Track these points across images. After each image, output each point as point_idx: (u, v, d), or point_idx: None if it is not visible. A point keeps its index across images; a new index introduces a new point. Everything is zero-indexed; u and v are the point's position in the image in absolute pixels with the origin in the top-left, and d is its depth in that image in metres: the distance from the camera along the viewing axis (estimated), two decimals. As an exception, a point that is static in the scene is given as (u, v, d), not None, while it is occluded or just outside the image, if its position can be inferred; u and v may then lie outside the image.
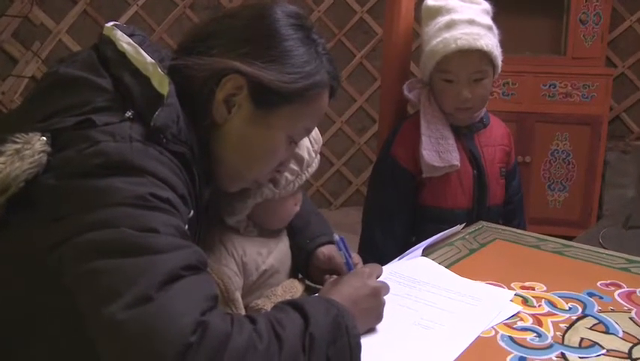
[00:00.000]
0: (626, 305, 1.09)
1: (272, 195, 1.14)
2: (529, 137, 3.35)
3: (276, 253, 1.21)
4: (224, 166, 1.02)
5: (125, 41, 0.94)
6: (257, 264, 1.16)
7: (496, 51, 1.60)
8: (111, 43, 0.94)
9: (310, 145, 1.16)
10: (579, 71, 3.32)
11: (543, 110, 3.34)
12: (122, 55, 0.93)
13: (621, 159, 3.47)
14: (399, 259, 1.27)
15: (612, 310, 1.07)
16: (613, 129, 3.61)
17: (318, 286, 1.27)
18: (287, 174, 1.13)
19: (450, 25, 1.58)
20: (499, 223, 1.59)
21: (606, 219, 3.21)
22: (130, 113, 0.88)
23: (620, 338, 0.99)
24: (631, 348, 0.95)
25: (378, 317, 1.01)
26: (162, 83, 0.91)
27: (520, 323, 1.03)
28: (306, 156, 1.15)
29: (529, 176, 3.37)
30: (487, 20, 1.62)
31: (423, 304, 1.09)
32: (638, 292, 1.14)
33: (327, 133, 3.92)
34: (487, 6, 1.65)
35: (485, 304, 1.09)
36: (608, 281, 1.18)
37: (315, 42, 1.00)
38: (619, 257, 1.31)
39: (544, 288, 1.15)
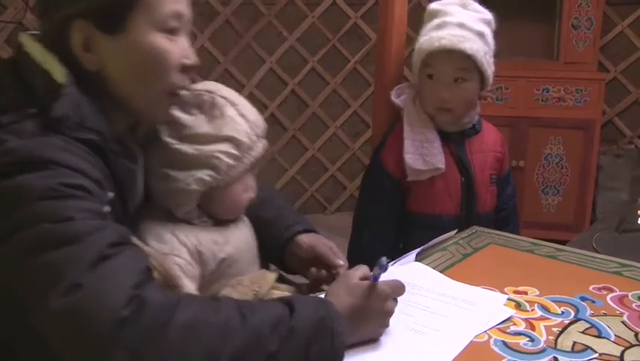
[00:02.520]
0: (619, 309, 1.10)
1: (213, 182, 1.14)
2: (522, 141, 3.36)
3: (235, 241, 1.20)
4: (134, 101, 1.02)
5: (27, 41, 0.98)
6: (213, 253, 1.16)
7: (483, 57, 1.59)
8: (20, 45, 0.99)
9: (249, 129, 1.15)
10: (572, 75, 3.34)
11: (536, 115, 3.35)
12: (26, 54, 0.97)
13: (614, 163, 3.49)
14: (392, 265, 1.27)
15: (604, 314, 1.07)
16: (605, 133, 3.62)
17: (291, 278, 1.28)
18: (226, 158, 1.13)
19: (440, 26, 1.60)
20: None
21: (599, 223, 3.22)
22: (34, 110, 0.90)
23: (613, 341, 0.99)
24: (623, 352, 0.96)
25: (375, 334, 1.00)
26: (59, 73, 0.94)
27: (513, 328, 1.03)
28: (244, 139, 1.14)
29: (523, 180, 3.38)
30: (481, 27, 1.61)
31: (417, 308, 1.09)
32: (630, 296, 1.15)
33: (321, 138, 3.93)
34: (489, 16, 1.65)
35: (479, 308, 1.09)
36: (601, 285, 1.19)
37: None
38: (611, 261, 1.32)
39: (537, 292, 1.16)
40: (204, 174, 1.12)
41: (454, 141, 1.67)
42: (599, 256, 1.37)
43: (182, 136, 1.12)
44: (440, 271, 1.24)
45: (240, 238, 1.22)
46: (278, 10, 3.73)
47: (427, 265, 1.27)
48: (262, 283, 1.18)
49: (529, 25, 3.54)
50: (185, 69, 1.04)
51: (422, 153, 1.60)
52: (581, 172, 3.39)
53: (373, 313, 0.98)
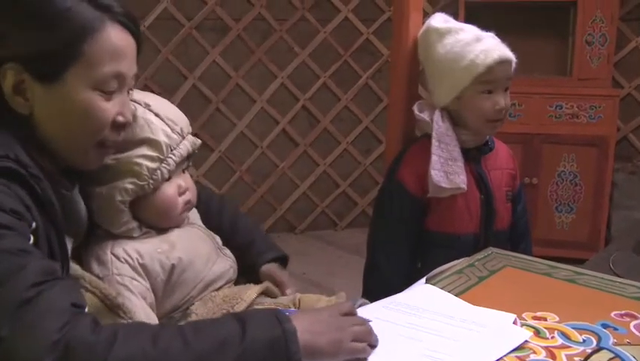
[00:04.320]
0: (642, 337, 1.06)
1: (138, 189, 1.09)
2: (535, 158, 3.33)
3: (183, 244, 1.15)
4: (62, 149, 1.00)
5: None
6: (160, 262, 1.11)
7: None
8: None
9: (167, 127, 1.11)
10: (586, 92, 3.31)
11: (550, 132, 3.33)
12: None
13: (629, 181, 3.45)
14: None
15: (628, 343, 1.03)
16: (620, 150, 3.59)
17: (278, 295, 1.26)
18: (146, 162, 1.08)
19: (479, 39, 1.59)
20: (506, 248, 1.57)
21: (615, 243, 3.17)
22: None
23: (637, 372, 0.96)
24: (648, 383, 0.93)
25: (346, 350, 0.93)
26: None
27: (532, 356, 1.00)
28: (163, 139, 1.09)
29: (536, 197, 3.34)
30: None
31: (426, 333, 1.06)
32: (653, 323, 1.11)
33: (333, 154, 3.91)
34: None
35: (490, 330, 1.06)
36: (623, 311, 1.15)
37: None
38: (633, 285, 1.28)
39: (557, 318, 1.12)
40: (127, 183, 1.08)
41: (473, 158, 1.64)
42: (620, 280, 1.33)
43: None
44: (456, 295, 1.21)
45: (187, 240, 1.17)
46: (290, 25, 3.73)
47: (442, 288, 1.24)
48: (235, 303, 1.14)
49: (542, 41, 3.53)
50: (117, 126, 1.02)
51: (446, 171, 1.58)
52: (595, 190, 3.36)
53: (332, 326, 0.93)
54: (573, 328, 1.08)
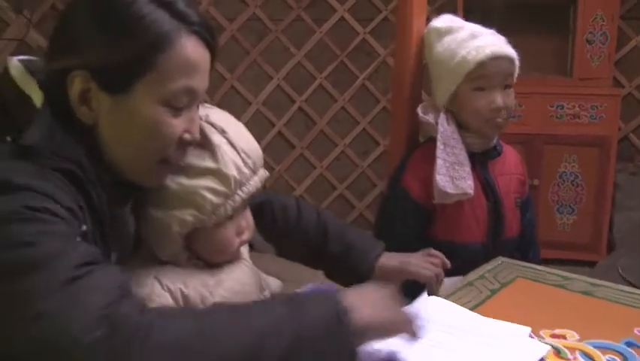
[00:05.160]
0: (669, 356, 1.00)
1: (198, 223, 1.00)
2: (537, 159, 3.27)
3: (229, 283, 1.06)
4: (124, 163, 0.95)
5: (13, 65, 0.91)
6: (202, 296, 1.02)
7: (517, 65, 1.56)
8: (6, 71, 0.92)
9: (240, 160, 1.01)
10: (587, 91, 3.26)
11: (551, 132, 3.27)
12: (10, 79, 0.91)
13: (631, 181, 3.40)
14: None
15: (655, 364, 0.98)
16: (621, 150, 3.53)
17: None
18: (210, 196, 0.99)
19: (475, 36, 1.54)
20: (515, 256, 1.51)
21: (622, 247, 3.14)
22: (11, 136, 0.87)
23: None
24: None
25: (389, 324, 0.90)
26: (37, 100, 0.89)
27: (554, 379, 0.94)
28: (233, 173, 1.00)
29: (538, 199, 3.29)
30: (504, 38, 1.58)
31: (438, 348, 1.00)
32: (679, 340, 1.05)
33: (330, 156, 3.84)
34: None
35: (506, 344, 1.01)
36: (646, 328, 1.09)
37: None
38: (652, 298, 1.23)
39: (577, 337, 1.06)
40: (187, 214, 0.99)
41: (479, 163, 1.58)
42: (638, 291, 1.27)
43: None
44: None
45: (235, 279, 1.08)
46: (285, 25, 3.67)
47: (454, 303, 1.18)
48: None
49: (541, 40, 3.47)
50: (183, 144, 0.96)
51: (452, 176, 1.51)
52: (596, 191, 3.30)
53: (383, 305, 0.89)
54: (595, 347, 1.03)
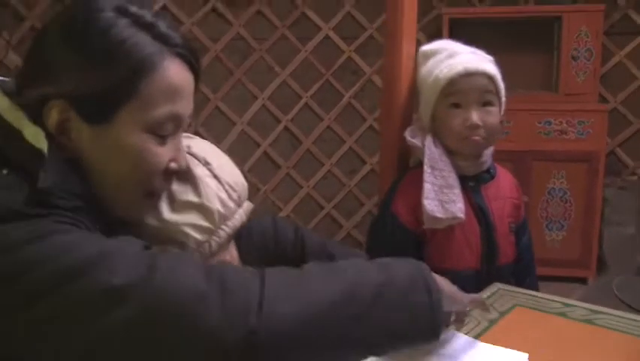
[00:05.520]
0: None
1: None
2: (525, 176, 3.25)
3: None
4: (108, 197, 0.88)
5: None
6: None
7: (500, 82, 1.52)
8: None
9: (225, 194, 0.96)
10: (573, 107, 3.27)
11: (539, 148, 3.27)
12: None
13: (619, 196, 3.39)
14: None
15: (665, 399, 0.94)
16: (608, 165, 3.53)
17: None
18: (195, 233, 0.94)
19: (452, 56, 1.52)
20: (510, 283, 1.47)
21: (613, 264, 3.12)
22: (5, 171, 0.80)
23: None
24: None
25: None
26: (37, 136, 0.80)
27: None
28: (217, 207, 0.95)
29: (527, 216, 3.25)
30: (489, 57, 1.55)
31: None
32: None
33: (317, 176, 3.81)
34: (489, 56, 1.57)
35: None
36: (652, 358, 1.06)
37: (127, 15, 0.84)
38: (655, 325, 1.19)
39: (581, 369, 1.02)
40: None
41: (471, 187, 1.54)
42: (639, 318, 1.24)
43: None
44: (467, 343, 1.11)
45: None
46: (270, 45, 3.64)
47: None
48: None
49: (526, 56, 3.47)
50: (169, 174, 0.91)
51: (441, 200, 1.47)
52: (585, 206, 3.30)
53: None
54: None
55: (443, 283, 0.91)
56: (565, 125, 3.25)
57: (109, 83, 0.82)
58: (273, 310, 0.72)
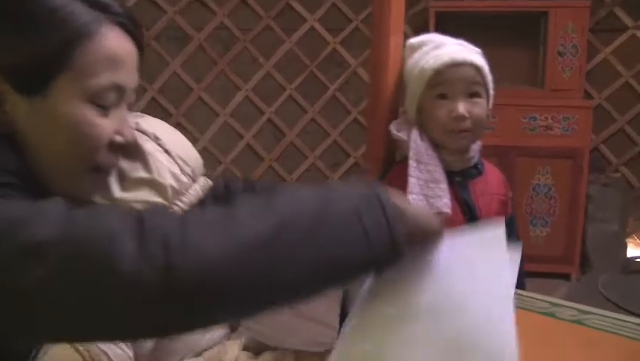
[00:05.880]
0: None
1: None
2: (510, 172, 3.22)
3: None
4: (50, 174, 0.84)
5: None
6: None
7: (488, 74, 1.49)
8: None
9: (178, 168, 0.94)
10: (558, 103, 3.25)
11: (524, 144, 3.25)
12: None
13: (603, 193, 3.39)
14: None
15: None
16: (592, 161, 3.53)
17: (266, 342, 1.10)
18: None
19: (439, 46, 1.49)
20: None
21: (597, 261, 3.12)
22: None
23: None
24: None
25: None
26: None
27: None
28: (170, 182, 0.92)
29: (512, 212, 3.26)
30: (476, 49, 1.52)
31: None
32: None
33: (299, 169, 3.78)
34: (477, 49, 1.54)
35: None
36: (642, 360, 1.04)
37: None
38: (644, 325, 1.17)
39: (573, 373, 1.00)
40: None
41: (458, 183, 1.51)
42: (630, 319, 1.21)
43: None
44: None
45: None
46: (254, 35, 3.59)
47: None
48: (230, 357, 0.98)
49: (512, 51, 3.46)
50: (115, 148, 0.87)
51: (426, 194, 1.44)
52: (569, 203, 3.29)
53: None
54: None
55: (404, 201, 0.79)
56: (550, 120, 3.24)
57: (42, 53, 0.79)
58: (194, 246, 0.64)
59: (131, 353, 0.93)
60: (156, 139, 0.94)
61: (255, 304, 0.68)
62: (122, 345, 0.92)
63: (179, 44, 3.50)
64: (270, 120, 3.71)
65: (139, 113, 0.98)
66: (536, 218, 3.33)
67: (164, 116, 3.50)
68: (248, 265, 0.65)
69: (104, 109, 0.83)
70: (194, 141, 3.49)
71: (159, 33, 3.45)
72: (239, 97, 3.65)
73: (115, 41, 0.83)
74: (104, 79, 0.82)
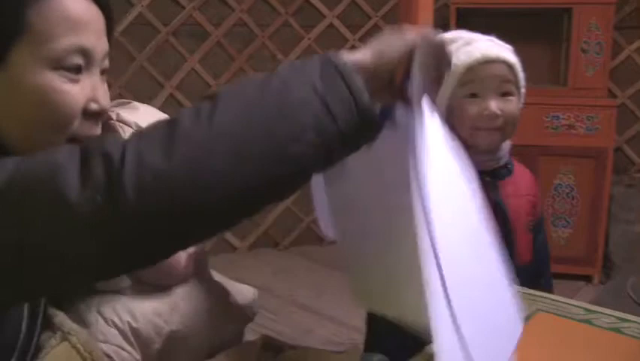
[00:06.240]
0: None
1: None
2: (531, 171, 3.16)
3: (187, 305, 0.94)
4: (25, 148, 0.79)
5: None
6: (157, 327, 0.90)
7: (520, 71, 1.47)
8: None
9: None
10: (582, 102, 3.19)
11: (546, 143, 3.19)
12: None
13: (627, 193, 3.33)
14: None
15: None
16: (615, 162, 3.47)
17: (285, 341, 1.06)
18: None
19: (469, 43, 1.45)
20: (527, 285, 1.40)
21: (623, 263, 3.06)
22: None
23: None
24: None
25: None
26: None
27: None
28: None
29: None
30: (508, 45, 1.49)
31: None
32: None
33: (318, 166, 3.73)
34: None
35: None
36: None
37: None
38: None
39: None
40: None
41: (487, 182, 1.47)
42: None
43: None
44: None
45: (194, 301, 0.96)
46: (272, 31, 3.55)
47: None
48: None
49: (534, 49, 3.39)
50: (90, 115, 0.82)
51: None
52: (592, 203, 3.23)
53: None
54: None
55: (362, 52, 0.71)
56: (573, 120, 3.18)
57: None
58: (135, 162, 0.61)
59: (138, 356, 0.89)
60: (138, 127, 0.92)
61: (215, 206, 0.63)
62: (128, 347, 0.88)
63: (198, 41, 3.47)
64: (288, 118, 3.67)
65: (123, 100, 0.95)
66: (558, 218, 3.27)
67: (182, 112, 3.47)
68: (195, 174, 0.62)
69: (71, 74, 0.79)
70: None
71: (177, 29, 3.42)
72: (257, 94, 3.61)
73: (74, 3, 0.79)
74: (66, 42, 0.78)
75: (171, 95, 3.46)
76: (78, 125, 0.81)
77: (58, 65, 0.78)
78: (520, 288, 1.33)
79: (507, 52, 1.45)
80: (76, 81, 0.80)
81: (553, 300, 1.28)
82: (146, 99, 3.33)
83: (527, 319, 1.19)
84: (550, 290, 1.53)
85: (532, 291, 1.33)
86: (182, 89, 3.47)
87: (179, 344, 0.92)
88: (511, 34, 3.03)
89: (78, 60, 0.79)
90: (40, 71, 0.77)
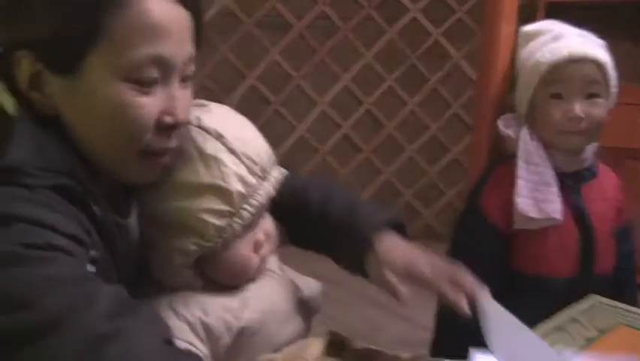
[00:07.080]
0: None
1: (202, 250, 0.84)
2: (621, 176, 3.00)
3: (258, 303, 0.90)
4: (101, 157, 0.78)
5: None
6: (227, 323, 0.87)
7: (611, 70, 1.36)
8: None
9: (245, 169, 0.84)
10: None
11: (637, 146, 3.02)
12: None
13: None
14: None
15: None
16: None
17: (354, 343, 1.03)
18: (213, 219, 0.83)
19: (557, 38, 1.37)
20: (609, 296, 1.32)
21: None
22: None
23: None
24: None
25: None
26: (8, 103, 0.73)
27: None
28: (236, 187, 0.82)
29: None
30: (600, 41, 1.39)
31: None
32: None
33: (397, 162, 3.69)
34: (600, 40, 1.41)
35: None
36: None
37: None
38: None
39: None
40: (189, 243, 0.83)
41: (569, 185, 1.40)
42: None
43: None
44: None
45: (263, 297, 0.93)
46: (355, 24, 3.53)
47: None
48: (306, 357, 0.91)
49: (630, 44, 3.22)
50: (164, 129, 0.78)
51: (536, 198, 1.34)
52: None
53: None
54: None
55: None
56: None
57: (71, 24, 0.72)
58: None
59: (207, 351, 0.89)
60: (219, 137, 0.86)
61: None
62: (198, 343, 0.88)
63: (280, 32, 3.49)
64: (368, 111, 3.65)
65: (201, 101, 0.92)
66: (648, 226, 3.09)
67: (263, 103, 3.51)
68: None
69: (144, 87, 0.75)
70: (291, 129, 3.51)
71: (260, 20, 3.45)
72: (338, 87, 3.60)
73: (157, 7, 0.74)
74: (143, 52, 0.73)
75: (253, 86, 3.50)
76: (150, 138, 0.78)
77: (131, 76, 0.74)
78: (600, 298, 1.26)
79: (597, 49, 1.36)
80: (149, 93, 0.76)
81: (635, 312, 1.20)
82: (228, 89, 3.41)
83: (606, 332, 1.12)
84: (634, 303, 1.44)
85: (614, 302, 1.25)
86: (264, 80, 3.51)
87: (248, 341, 0.91)
88: (608, 30, 2.91)
89: (153, 72, 0.75)
90: (112, 82, 0.74)
